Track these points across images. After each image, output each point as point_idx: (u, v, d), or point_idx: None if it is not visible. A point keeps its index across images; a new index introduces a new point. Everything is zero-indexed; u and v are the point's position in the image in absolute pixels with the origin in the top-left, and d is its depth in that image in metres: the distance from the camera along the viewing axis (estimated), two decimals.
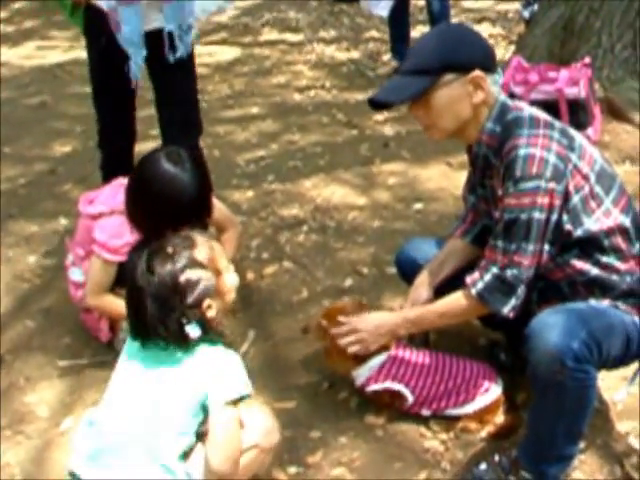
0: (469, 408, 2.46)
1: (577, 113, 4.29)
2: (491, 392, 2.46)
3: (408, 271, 2.69)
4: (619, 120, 4.56)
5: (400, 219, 3.80)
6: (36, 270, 3.70)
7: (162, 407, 1.96)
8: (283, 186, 4.28)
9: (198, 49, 7.00)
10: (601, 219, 2.13)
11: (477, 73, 2.16)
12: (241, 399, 1.97)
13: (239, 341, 3.00)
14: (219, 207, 3.02)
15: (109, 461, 1.98)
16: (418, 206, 3.88)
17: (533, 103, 4.25)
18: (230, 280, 2.12)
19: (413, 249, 2.74)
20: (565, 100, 4.27)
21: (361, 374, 2.50)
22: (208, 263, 2.01)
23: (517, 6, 6.82)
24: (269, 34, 7.42)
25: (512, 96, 4.41)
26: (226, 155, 4.69)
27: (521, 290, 2.13)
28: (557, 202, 2.07)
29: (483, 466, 2.29)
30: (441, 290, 2.53)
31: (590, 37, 4.71)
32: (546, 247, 2.11)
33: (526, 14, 6.03)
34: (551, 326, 2.01)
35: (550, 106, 4.29)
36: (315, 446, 2.49)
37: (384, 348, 2.48)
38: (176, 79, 3.31)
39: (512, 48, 5.73)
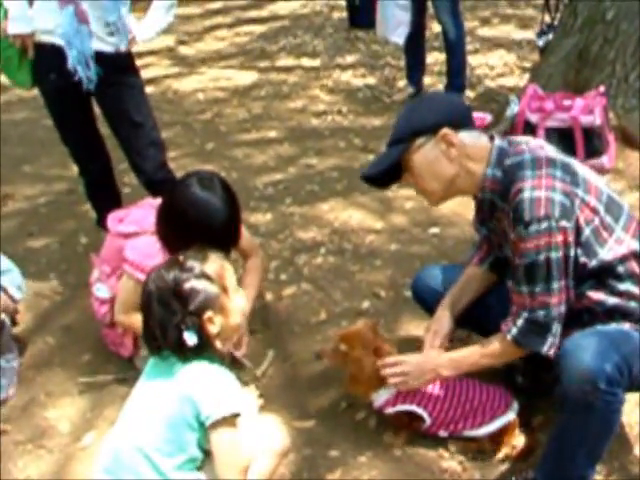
0: (485, 430, 2.48)
1: (592, 141, 4.33)
2: (507, 415, 2.47)
3: (426, 297, 2.74)
4: (632, 148, 4.59)
5: (417, 243, 3.83)
6: (56, 288, 3.75)
7: (158, 420, 2.01)
8: (301, 209, 4.32)
9: (216, 73, 7.17)
10: (614, 248, 2.15)
11: (444, 131, 2.23)
12: (235, 416, 2.00)
13: (258, 361, 3.04)
14: (244, 234, 3.07)
15: (120, 472, 2.05)
16: (434, 230, 3.91)
17: (549, 130, 4.37)
18: (237, 301, 2.14)
19: (429, 276, 2.77)
20: (580, 128, 4.31)
21: (380, 396, 2.52)
22: (216, 278, 2.07)
23: (531, 35, 6.88)
24: (286, 59, 7.48)
25: (527, 124, 4.47)
26: (244, 178, 4.74)
27: (555, 327, 2.15)
28: (570, 238, 2.09)
29: None
30: (463, 319, 2.60)
31: (604, 66, 4.75)
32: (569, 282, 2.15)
33: (540, 43, 6.06)
34: (584, 348, 2.04)
35: (565, 134, 4.36)
36: (334, 465, 2.52)
37: None
38: (110, 98, 3.47)
39: (526, 76, 5.77)
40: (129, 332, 2.93)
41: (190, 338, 1.99)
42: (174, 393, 2.00)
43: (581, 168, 2.24)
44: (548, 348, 2.16)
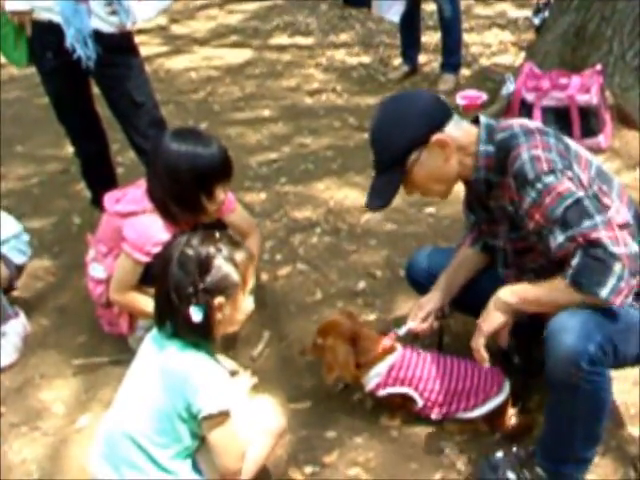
0: (479, 412, 2.47)
1: (588, 120, 4.32)
2: (500, 396, 2.46)
3: (420, 280, 2.72)
4: (629, 127, 4.57)
5: (412, 223, 3.81)
6: (50, 269, 3.73)
7: (149, 410, 2.00)
8: (295, 188, 4.30)
9: (208, 52, 7.12)
10: (614, 216, 2.11)
11: (435, 137, 2.19)
12: (227, 412, 1.99)
13: (253, 342, 3.02)
14: (240, 211, 3.07)
15: (116, 462, 2.06)
16: (430, 210, 3.89)
17: (545, 109, 4.34)
18: (248, 301, 2.13)
19: (422, 259, 2.75)
20: (576, 107, 4.29)
21: (370, 380, 2.51)
22: (241, 267, 2.04)
23: (527, 13, 6.84)
24: (279, 37, 7.43)
25: (524, 103, 4.44)
26: (238, 157, 4.65)
27: (619, 269, 1.92)
28: (581, 187, 2.05)
29: (499, 454, 2.32)
30: (459, 304, 2.60)
31: (601, 44, 4.72)
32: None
33: (536, 21, 6.05)
34: (569, 329, 2.01)
35: (561, 112, 4.34)
36: (331, 446, 2.51)
37: (390, 352, 2.50)
38: (110, 78, 3.46)
39: (522, 54, 5.75)
40: (124, 312, 2.91)
41: (196, 314, 1.96)
42: (165, 384, 1.98)
43: (571, 141, 2.23)
44: (609, 293, 1.94)
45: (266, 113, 5.56)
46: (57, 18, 3.22)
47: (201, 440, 2.05)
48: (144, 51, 6.79)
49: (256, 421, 2.16)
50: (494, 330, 2.23)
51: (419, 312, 2.54)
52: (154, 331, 2.11)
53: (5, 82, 6.51)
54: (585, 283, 1.98)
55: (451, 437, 2.49)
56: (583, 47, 4.80)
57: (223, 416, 1.98)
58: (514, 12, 7.39)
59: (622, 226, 2.10)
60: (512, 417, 2.49)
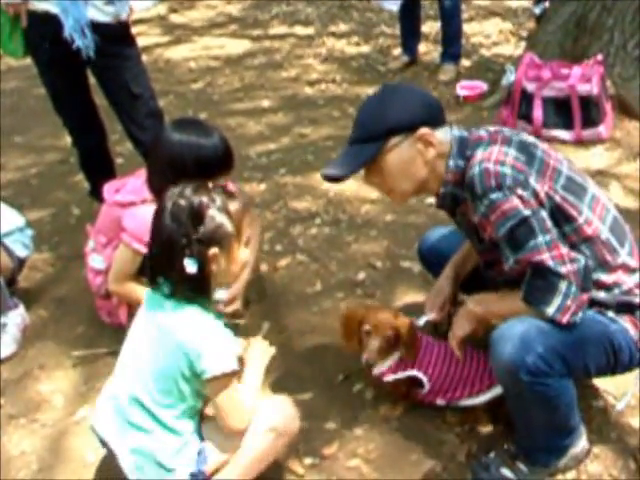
0: (482, 398, 2.46)
1: (589, 110, 4.30)
2: None
3: (433, 260, 2.70)
4: (630, 117, 4.56)
5: (413, 213, 3.80)
6: (49, 260, 3.72)
7: (152, 370, 2.01)
8: (295, 179, 4.29)
9: (208, 42, 7.09)
10: (584, 228, 2.06)
11: (423, 131, 2.11)
12: (233, 373, 1.99)
13: (253, 333, 3.01)
14: None
15: (123, 425, 2.07)
16: (430, 200, 3.86)
17: (545, 100, 4.32)
18: (243, 251, 2.11)
19: (435, 240, 2.73)
20: (577, 97, 4.28)
21: (382, 363, 2.49)
22: (235, 218, 2.03)
23: (528, 3, 6.81)
24: (279, 27, 7.41)
25: (524, 93, 4.43)
26: (237, 147, 4.62)
27: (565, 287, 1.97)
28: (533, 202, 1.99)
29: (492, 454, 2.32)
30: (464, 287, 2.58)
31: (602, 34, 4.70)
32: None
33: (537, 10, 6.01)
34: (508, 338, 2.00)
35: (562, 103, 4.32)
36: (331, 437, 2.50)
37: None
38: (107, 69, 3.43)
39: (522, 44, 5.72)
40: (123, 302, 2.91)
41: (190, 266, 1.95)
42: (166, 345, 1.98)
43: (539, 149, 2.13)
44: (555, 312, 1.99)
45: (265, 103, 5.54)
46: (54, 9, 3.20)
47: (205, 402, 2.07)
48: (143, 41, 6.85)
49: (269, 417, 2.14)
50: (465, 335, 2.32)
51: (436, 301, 2.54)
52: (148, 293, 2.11)
53: (3, 72, 6.49)
54: (533, 301, 2.05)
55: (451, 428, 2.49)
56: (584, 37, 4.78)
57: (227, 377, 1.98)
58: (515, 2, 7.37)
59: (588, 239, 2.07)
60: None
